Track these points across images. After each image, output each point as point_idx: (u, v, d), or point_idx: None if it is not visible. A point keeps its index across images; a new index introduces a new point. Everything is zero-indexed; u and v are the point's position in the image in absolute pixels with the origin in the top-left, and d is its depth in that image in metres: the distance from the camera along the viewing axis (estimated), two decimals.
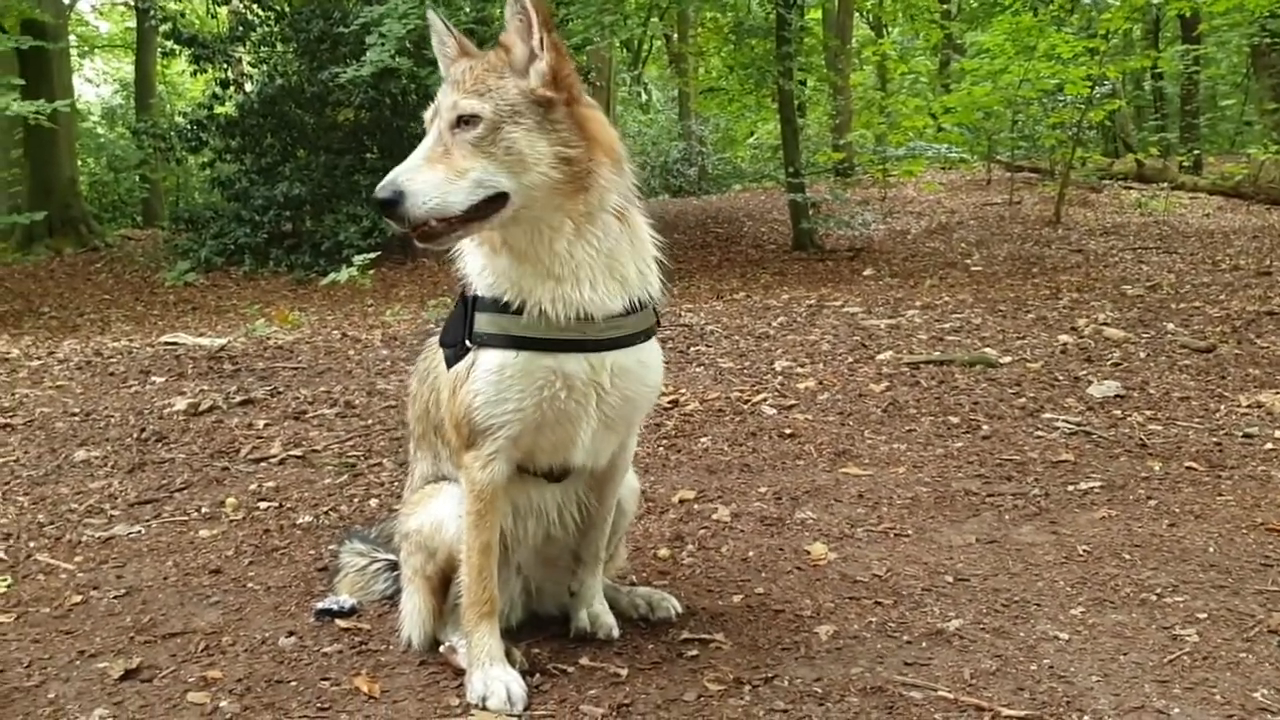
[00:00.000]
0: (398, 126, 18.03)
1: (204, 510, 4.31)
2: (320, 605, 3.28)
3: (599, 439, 2.77)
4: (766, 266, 15.46)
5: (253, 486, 4.58)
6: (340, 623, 3.20)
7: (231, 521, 4.17)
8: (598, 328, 2.62)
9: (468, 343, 2.67)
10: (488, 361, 2.62)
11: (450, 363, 2.75)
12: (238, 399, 6.11)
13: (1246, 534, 3.66)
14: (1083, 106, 18.12)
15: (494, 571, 2.80)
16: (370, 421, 5.61)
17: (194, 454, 5.11)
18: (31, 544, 3.97)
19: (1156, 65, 21.17)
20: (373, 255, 11.32)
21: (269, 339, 8.72)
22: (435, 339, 2.98)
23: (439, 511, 2.91)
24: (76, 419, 5.86)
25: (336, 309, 13.92)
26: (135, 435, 5.40)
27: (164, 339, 8.95)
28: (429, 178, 2.39)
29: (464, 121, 2.43)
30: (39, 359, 8.23)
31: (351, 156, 18.03)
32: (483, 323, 2.64)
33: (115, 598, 3.45)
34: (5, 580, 3.59)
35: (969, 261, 15.35)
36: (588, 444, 2.75)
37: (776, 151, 35.09)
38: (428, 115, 2.53)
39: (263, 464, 4.92)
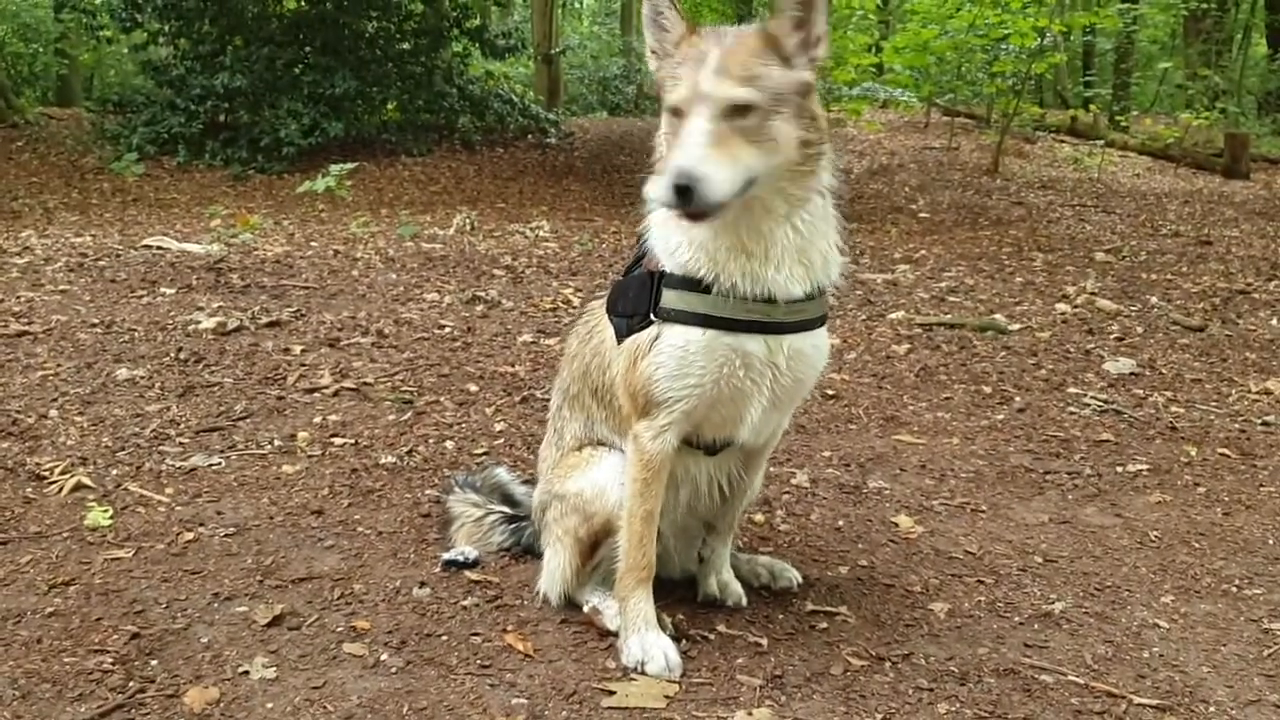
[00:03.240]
0: (342, 23, 17.61)
1: (276, 443, 4.31)
2: (446, 556, 3.34)
3: (765, 418, 2.86)
4: None
5: (317, 419, 4.58)
6: (469, 574, 3.27)
7: (311, 457, 4.18)
8: (780, 310, 2.69)
9: (652, 316, 2.72)
10: (673, 337, 2.69)
11: (624, 333, 2.81)
12: (263, 320, 6.05)
13: None
14: (1026, 58, 18.39)
15: (654, 539, 2.89)
16: (409, 354, 5.61)
17: (240, 379, 5.07)
18: (114, 471, 3.94)
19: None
20: (350, 165, 11.07)
21: (256, 249, 8.56)
22: (599, 304, 3.04)
23: (600, 478, 2.98)
24: (98, 330, 5.75)
25: (288, 213, 13.64)
26: (173, 354, 5.33)
27: (148, 242, 8.73)
28: (718, 166, 2.40)
29: (737, 110, 2.44)
30: (17, 254, 7.98)
31: (293, 50, 17.59)
32: (671, 299, 2.70)
33: (226, 536, 3.47)
34: (106, 511, 3.58)
35: (914, 207, 15.62)
36: (755, 421, 2.84)
37: None
38: (680, 96, 2.49)
39: (317, 395, 4.91)
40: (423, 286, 7.36)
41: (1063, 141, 22.44)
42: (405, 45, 18.59)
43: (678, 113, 2.49)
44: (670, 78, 2.56)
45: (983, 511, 3.98)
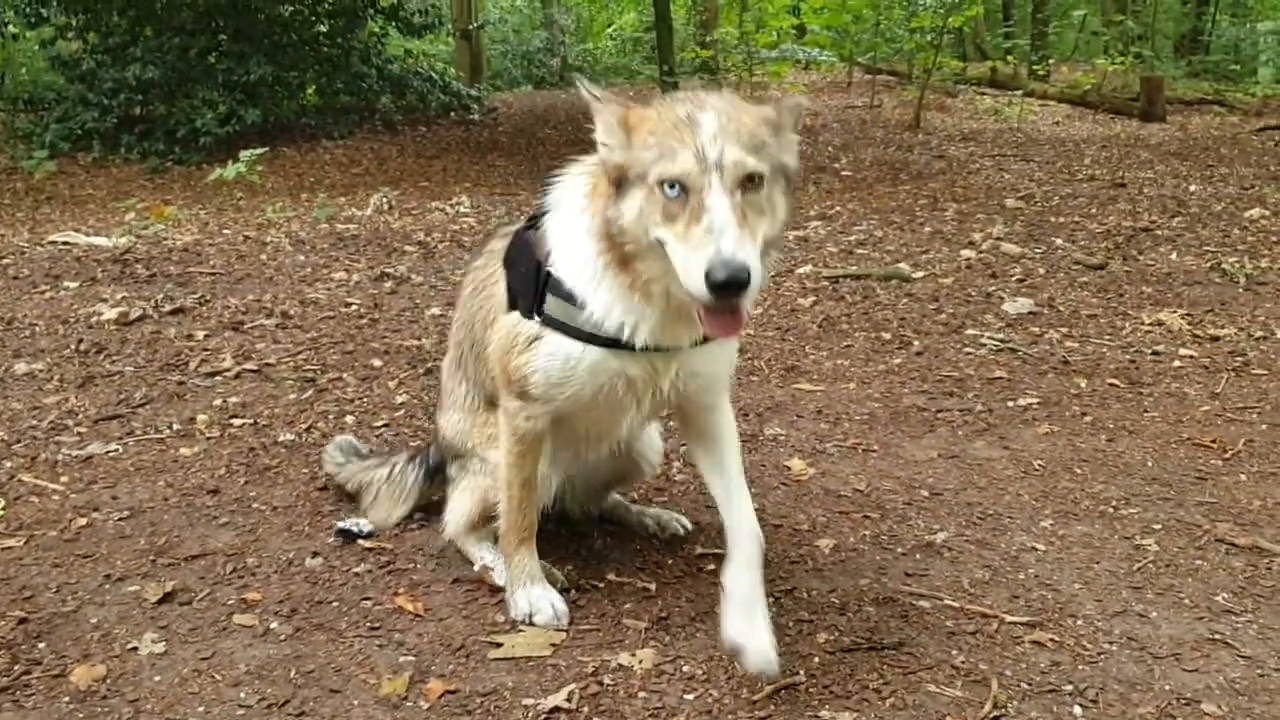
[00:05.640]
0: (255, 8, 17.35)
1: (175, 427, 4.29)
2: (340, 525, 3.37)
3: (639, 424, 2.93)
4: None
5: (217, 402, 4.57)
6: (362, 543, 3.30)
7: (209, 439, 4.18)
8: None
9: (535, 316, 2.65)
10: (553, 347, 2.62)
11: (512, 305, 2.75)
12: (167, 308, 6.00)
13: (1177, 449, 4.06)
14: (943, 11, 18.57)
15: (533, 503, 2.93)
16: (314, 334, 5.60)
17: (141, 367, 5.04)
18: (7, 464, 3.92)
19: None
20: (261, 151, 10.95)
21: (166, 239, 8.46)
22: (496, 246, 2.98)
23: None
24: None
25: (205, 202, 13.44)
26: (73, 346, 5.28)
27: (54, 238, 8.59)
28: (752, 250, 2.19)
29: (750, 181, 2.26)
30: None
31: (205, 38, 17.28)
32: (554, 307, 2.60)
33: (120, 520, 3.47)
34: None
35: (838, 165, 15.71)
36: (632, 430, 2.93)
37: (638, 45, 34.83)
38: (693, 167, 2.23)
39: (218, 378, 4.89)
40: (331, 266, 7.33)
41: (984, 94, 22.70)
42: (321, 27, 18.39)
43: (679, 186, 2.25)
44: (654, 150, 2.29)
45: (874, 451, 4.07)
